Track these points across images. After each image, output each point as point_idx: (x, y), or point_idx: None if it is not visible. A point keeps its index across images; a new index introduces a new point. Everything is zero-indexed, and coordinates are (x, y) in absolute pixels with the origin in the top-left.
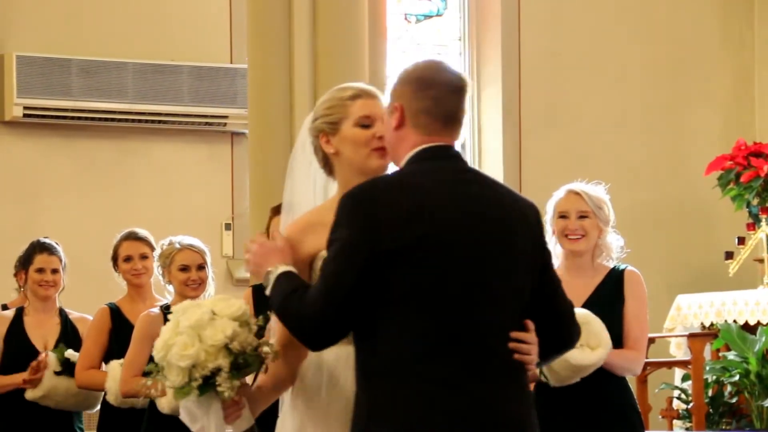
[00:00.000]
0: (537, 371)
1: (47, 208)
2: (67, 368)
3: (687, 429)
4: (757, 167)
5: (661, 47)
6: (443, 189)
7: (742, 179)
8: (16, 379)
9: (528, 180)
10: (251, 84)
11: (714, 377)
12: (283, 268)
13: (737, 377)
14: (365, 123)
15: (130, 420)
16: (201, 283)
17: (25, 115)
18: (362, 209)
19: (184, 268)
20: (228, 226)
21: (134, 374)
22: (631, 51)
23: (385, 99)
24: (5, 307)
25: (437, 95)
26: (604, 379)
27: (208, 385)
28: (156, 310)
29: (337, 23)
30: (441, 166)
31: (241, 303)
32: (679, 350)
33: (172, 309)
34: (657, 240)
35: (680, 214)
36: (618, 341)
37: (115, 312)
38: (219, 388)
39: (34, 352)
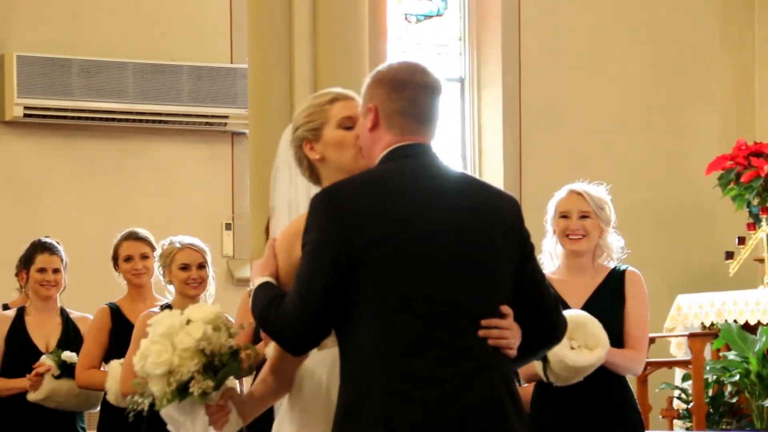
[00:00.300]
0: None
1: (47, 208)
2: (66, 370)
3: (687, 429)
4: (758, 167)
5: (661, 47)
6: (409, 186)
7: (742, 179)
8: (18, 383)
9: (528, 180)
10: (252, 84)
11: (714, 377)
12: (260, 280)
13: (737, 377)
14: (347, 125)
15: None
16: (201, 282)
17: (25, 115)
18: (329, 211)
19: (185, 267)
20: (228, 226)
21: (135, 374)
22: (631, 51)
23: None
24: (6, 307)
25: (412, 96)
26: (605, 379)
27: (186, 390)
28: (156, 309)
29: (337, 23)
30: (410, 163)
31: (215, 308)
32: (679, 350)
33: (152, 321)
34: (657, 240)
35: (680, 214)
36: (618, 341)
37: (115, 312)
38: (191, 389)
39: (36, 352)
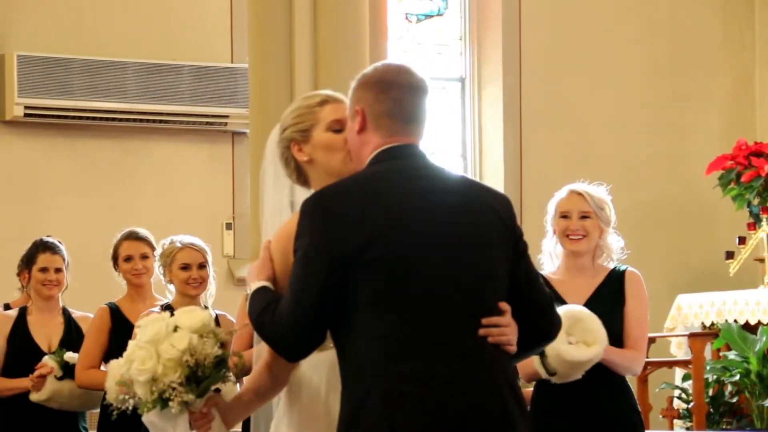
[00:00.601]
0: (541, 372)
1: (48, 207)
2: (68, 371)
3: (687, 429)
4: (758, 167)
5: (661, 47)
6: (399, 187)
7: (742, 179)
8: (20, 383)
9: (528, 180)
10: (252, 83)
11: (714, 377)
12: (256, 285)
13: (738, 377)
14: (336, 128)
15: (130, 419)
16: (202, 282)
17: (26, 115)
18: (321, 215)
19: (185, 267)
20: (229, 226)
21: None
22: (631, 51)
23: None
24: (7, 307)
25: (398, 96)
26: (605, 379)
27: (168, 399)
28: (156, 309)
29: (337, 23)
30: (398, 165)
31: (204, 315)
32: (679, 350)
33: (141, 324)
34: (657, 240)
35: (681, 214)
36: (618, 341)
37: (114, 312)
38: (170, 403)
39: (38, 352)
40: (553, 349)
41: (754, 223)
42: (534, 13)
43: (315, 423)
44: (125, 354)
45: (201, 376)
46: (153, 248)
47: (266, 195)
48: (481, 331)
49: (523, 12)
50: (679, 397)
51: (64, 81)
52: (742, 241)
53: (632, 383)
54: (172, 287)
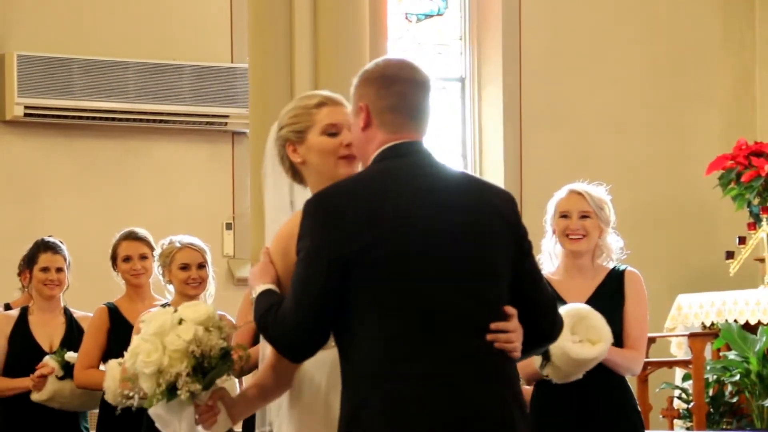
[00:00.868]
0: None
1: (48, 207)
2: (70, 371)
3: (687, 428)
4: (758, 167)
5: (661, 47)
6: (403, 186)
7: (743, 179)
8: (21, 383)
9: (528, 180)
10: (252, 83)
11: (714, 377)
12: (261, 288)
13: (738, 377)
14: (331, 131)
15: (129, 419)
16: (201, 282)
17: (26, 115)
18: (323, 216)
19: (185, 267)
20: (229, 226)
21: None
22: (631, 51)
23: (349, 105)
24: (8, 307)
25: (402, 90)
26: (605, 379)
27: (175, 390)
28: (155, 309)
29: (337, 23)
30: (404, 162)
31: (208, 308)
32: (679, 350)
33: (145, 318)
34: (657, 240)
35: (681, 214)
36: (618, 341)
37: (113, 312)
38: (178, 392)
39: (40, 352)
40: (558, 347)
41: (754, 223)
42: (534, 13)
43: (315, 420)
44: (129, 348)
45: (207, 367)
46: (152, 248)
47: (267, 194)
48: (489, 337)
49: (523, 12)
50: (679, 397)
51: (65, 81)
52: (742, 241)
53: (632, 383)
54: (171, 287)
